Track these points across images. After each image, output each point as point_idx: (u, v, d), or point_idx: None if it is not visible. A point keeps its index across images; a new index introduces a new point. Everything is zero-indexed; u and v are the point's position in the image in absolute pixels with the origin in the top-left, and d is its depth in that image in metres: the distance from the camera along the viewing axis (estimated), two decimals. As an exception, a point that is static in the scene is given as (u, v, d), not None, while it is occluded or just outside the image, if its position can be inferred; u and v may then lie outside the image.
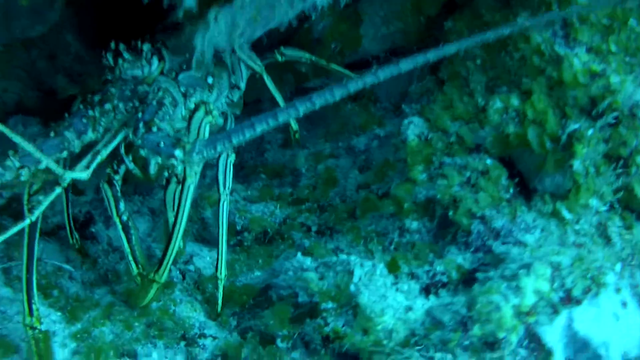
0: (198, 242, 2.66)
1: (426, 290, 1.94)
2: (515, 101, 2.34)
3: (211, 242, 2.65)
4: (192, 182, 2.11)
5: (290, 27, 2.74)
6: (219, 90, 2.47)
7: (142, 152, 1.98)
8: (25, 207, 2.09)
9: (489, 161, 2.29)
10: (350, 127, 2.75)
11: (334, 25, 2.66)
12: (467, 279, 2.00)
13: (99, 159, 2.07)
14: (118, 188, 2.23)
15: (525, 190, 2.26)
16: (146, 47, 2.23)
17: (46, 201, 1.99)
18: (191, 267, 2.49)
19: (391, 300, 1.81)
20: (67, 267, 2.69)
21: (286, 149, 2.96)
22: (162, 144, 1.91)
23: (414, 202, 2.25)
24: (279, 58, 2.70)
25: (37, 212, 2.00)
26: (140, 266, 2.25)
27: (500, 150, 2.32)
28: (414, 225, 2.20)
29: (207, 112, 2.27)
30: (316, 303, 1.89)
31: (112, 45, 2.25)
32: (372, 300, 1.78)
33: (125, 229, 2.24)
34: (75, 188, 2.81)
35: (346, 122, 2.78)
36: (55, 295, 2.52)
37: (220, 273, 2.21)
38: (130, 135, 2.03)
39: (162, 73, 2.25)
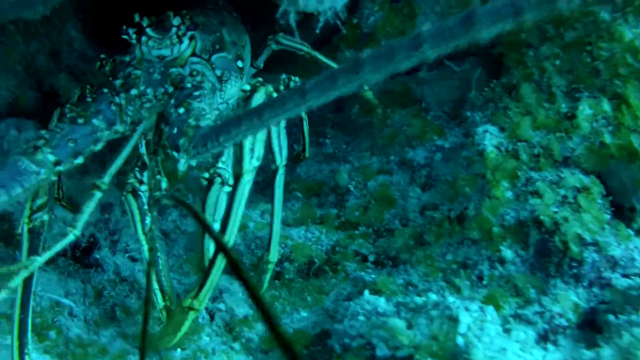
0: (226, 274, 2.22)
1: (544, 338, 1.53)
2: (606, 107, 2.01)
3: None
4: (248, 181, 1.72)
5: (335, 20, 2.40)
6: (247, 76, 2.07)
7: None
8: (25, 225, 1.74)
9: (583, 176, 1.93)
10: (402, 139, 2.36)
11: (385, 19, 2.28)
12: (586, 322, 1.61)
13: (119, 161, 1.64)
14: (144, 200, 1.81)
15: (617, 210, 1.92)
16: (176, 21, 1.82)
17: (88, 209, 1.55)
18: (221, 306, 2.06)
19: (511, 355, 1.39)
20: (67, 301, 2.26)
21: (322, 163, 2.55)
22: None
23: (502, 225, 1.86)
24: (274, 46, 2.33)
25: (80, 225, 1.55)
26: (167, 298, 1.80)
27: (594, 163, 1.98)
28: (508, 254, 1.80)
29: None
30: (407, 358, 1.45)
31: (136, 17, 1.83)
32: (488, 357, 1.36)
33: (152, 250, 1.76)
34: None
35: (396, 132, 2.38)
36: (52, 338, 2.11)
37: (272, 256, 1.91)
38: (163, 127, 1.62)
39: (194, 53, 1.84)
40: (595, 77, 2.12)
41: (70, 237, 1.54)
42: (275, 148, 1.90)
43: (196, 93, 1.69)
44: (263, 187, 2.70)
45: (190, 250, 2.42)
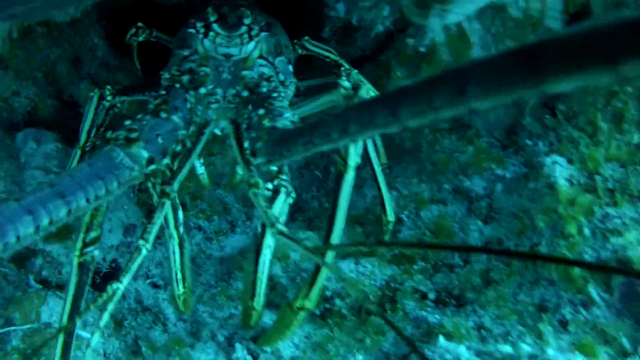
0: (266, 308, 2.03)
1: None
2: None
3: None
4: (353, 178, 1.68)
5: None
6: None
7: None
8: (76, 258, 1.60)
9: (661, 214, 1.80)
10: (454, 166, 2.20)
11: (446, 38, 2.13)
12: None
13: (187, 167, 1.46)
14: (177, 201, 1.63)
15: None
16: (248, 20, 1.68)
17: (159, 220, 1.37)
18: (267, 347, 1.86)
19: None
20: (85, 334, 2.03)
21: (363, 187, 2.38)
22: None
23: (582, 267, 1.71)
24: (299, 51, 2.13)
25: (152, 237, 1.36)
26: (186, 287, 1.68)
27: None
28: (593, 296, 1.65)
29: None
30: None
31: (210, 10, 1.69)
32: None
33: (181, 243, 1.66)
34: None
35: (448, 159, 2.22)
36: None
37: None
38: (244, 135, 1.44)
39: (261, 55, 1.70)
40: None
41: (144, 253, 1.36)
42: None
43: (275, 94, 1.55)
44: (294, 210, 2.53)
45: (221, 281, 2.22)
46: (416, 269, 1.96)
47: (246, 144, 1.41)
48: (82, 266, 1.62)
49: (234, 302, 2.11)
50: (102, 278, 2.11)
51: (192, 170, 2.07)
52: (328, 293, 1.92)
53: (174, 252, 1.66)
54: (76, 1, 1.85)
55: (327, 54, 2.15)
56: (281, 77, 1.73)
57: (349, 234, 2.20)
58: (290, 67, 1.85)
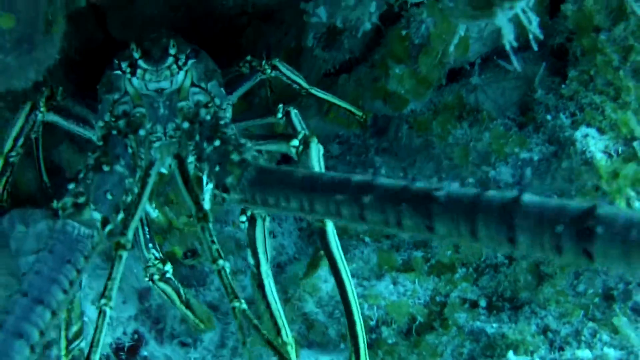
0: (306, 348, 1.87)
1: None
2: None
3: (324, 346, 1.88)
4: None
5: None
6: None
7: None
8: (64, 358, 1.52)
9: None
10: (474, 156, 2.05)
11: (438, 25, 1.97)
12: None
13: (139, 214, 1.35)
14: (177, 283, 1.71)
15: None
16: (173, 50, 1.61)
17: (118, 274, 1.27)
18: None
19: None
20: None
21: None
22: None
23: None
24: (268, 71, 2.04)
25: (114, 295, 1.27)
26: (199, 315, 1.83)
27: None
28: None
29: None
30: None
31: (134, 46, 1.61)
32: None
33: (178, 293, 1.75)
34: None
35: (465, 150, 2.07)
36: None
37: None
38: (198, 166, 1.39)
39: (192, 83, 1.64)
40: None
41: (109, 313, 1.27)
42: (261, 251, 1.63)
43: (222, 122, 1.46)
44: (309, 232, 2.37)
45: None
46: (459, 277, 1.81)
47: (206, 178, 1.32)
48: None
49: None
50: (127, 353, 1.95)
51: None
52: (372, 323, 1.77)
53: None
54: (35, 64, 1.70)
55: (297, 79, 2.08)
56: (217, 101, 1.64)
57: (380, 249, 2.05)
58: (223, 90, 1.78)
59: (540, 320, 1.61)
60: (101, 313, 1.26)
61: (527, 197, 0.71)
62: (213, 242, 1.28)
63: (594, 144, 1.75)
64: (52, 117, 1.90)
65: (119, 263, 1.28)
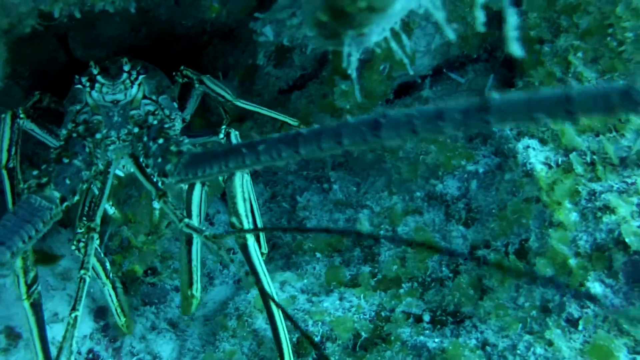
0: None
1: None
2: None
3: (274, 362, 1.88)
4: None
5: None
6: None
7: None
8: (26, 301, 1.74)
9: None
10: (423, 170, 2.06)
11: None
12: None
13: (103, 203, 1.69)
14: (103, 255, 1.96)
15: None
16: (127, 67, 1.89)
17: (92, 251, 1.60)
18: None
19: None
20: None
21: (333, 212, 2.23)
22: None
23: (577, 254, 1.57)
24: (197, 86, 2.26)
25: (90, 266, 1.60)
26: (126, 316, 2.04)
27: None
28: (597, 288, 1.51)
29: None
30: None
31: (92, 64, 1.89)
32: None
33: (114, 285, 2.00)
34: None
35: (415, 164, 2.08)
36: None
37: None
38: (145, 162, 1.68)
39: (144, 96, 1.92)
40: (627, 61, 1.89)
41: (88, 281, 1.55)
42: (195, 213, 1.82)
43: (167, 125, 1.75)
44: (269, 249, 2.38)
45: (208, 344, 2.06)
46: (404, 291, 1.81)
47: (150, 170, 1.61)
48: (34, 306, 1.76)
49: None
50: (78, 372, 1.95)
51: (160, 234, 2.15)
52: (317, 338, 1.77)
53: (110, 295, 1.97)
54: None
55: (223, 93, 2.22)
56: (166, 111, 1.92)
57: (330, 264, 2.05)
58: (175, 104, 2.03)
59: (480, 334, 1.62)
60: (81, 281, 1.53)
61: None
62: (176, 209, 1.56)
63: (535, 155, 1.76)
64: (30, 125, 2.10)
65: (91, 242, 1.60)
